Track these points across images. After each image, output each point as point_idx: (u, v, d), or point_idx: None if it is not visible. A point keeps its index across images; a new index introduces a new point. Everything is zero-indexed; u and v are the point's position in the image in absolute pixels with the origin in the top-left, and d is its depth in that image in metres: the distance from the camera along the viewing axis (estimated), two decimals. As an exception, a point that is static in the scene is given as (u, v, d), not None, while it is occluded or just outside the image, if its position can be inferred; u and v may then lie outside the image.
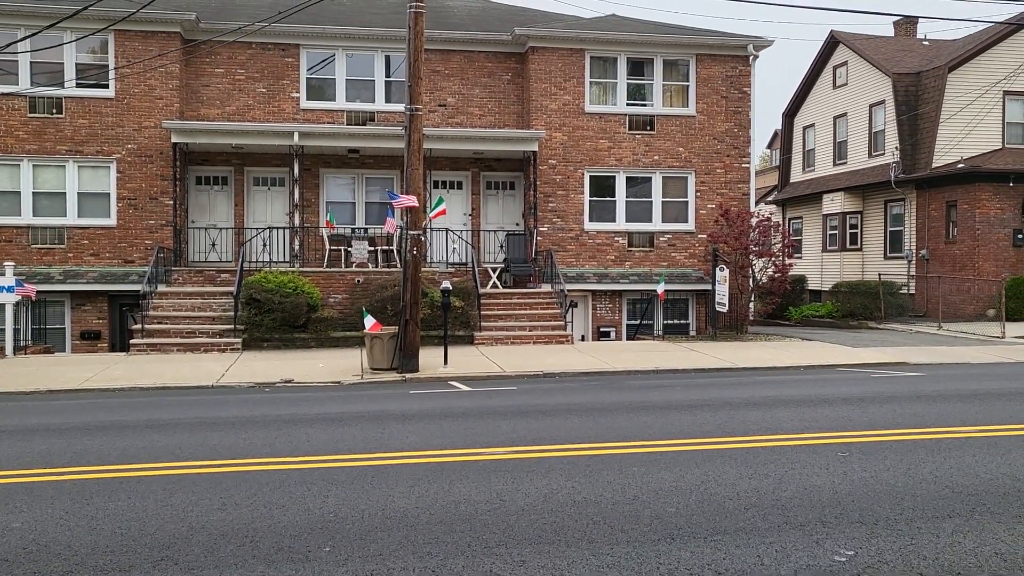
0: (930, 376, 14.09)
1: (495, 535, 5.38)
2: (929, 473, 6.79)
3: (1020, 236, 25.89)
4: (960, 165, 26.04)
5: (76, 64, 21.05)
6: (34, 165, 20.97)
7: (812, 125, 34.34)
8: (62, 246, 20.96)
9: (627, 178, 23.28)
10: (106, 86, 21.22)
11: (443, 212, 16.99)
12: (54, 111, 20.96)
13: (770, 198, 38.13)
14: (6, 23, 20.53)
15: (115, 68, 21.08)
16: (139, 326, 18.55)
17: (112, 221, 21.23)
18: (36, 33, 18.67)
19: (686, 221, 23.52)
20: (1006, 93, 26.99)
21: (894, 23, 34.83)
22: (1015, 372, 14.78)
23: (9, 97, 20.63)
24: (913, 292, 27.90)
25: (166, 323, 18.73)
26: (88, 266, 20.99)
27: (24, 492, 6.58)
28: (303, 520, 5.73)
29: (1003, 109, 27.12)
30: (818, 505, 5.93)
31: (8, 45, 19.21)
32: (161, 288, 19.71)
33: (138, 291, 19.33)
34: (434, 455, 7.71)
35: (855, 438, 8.29)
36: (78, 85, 21.03)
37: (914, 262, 28.03)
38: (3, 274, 17.93)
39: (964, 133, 26.64)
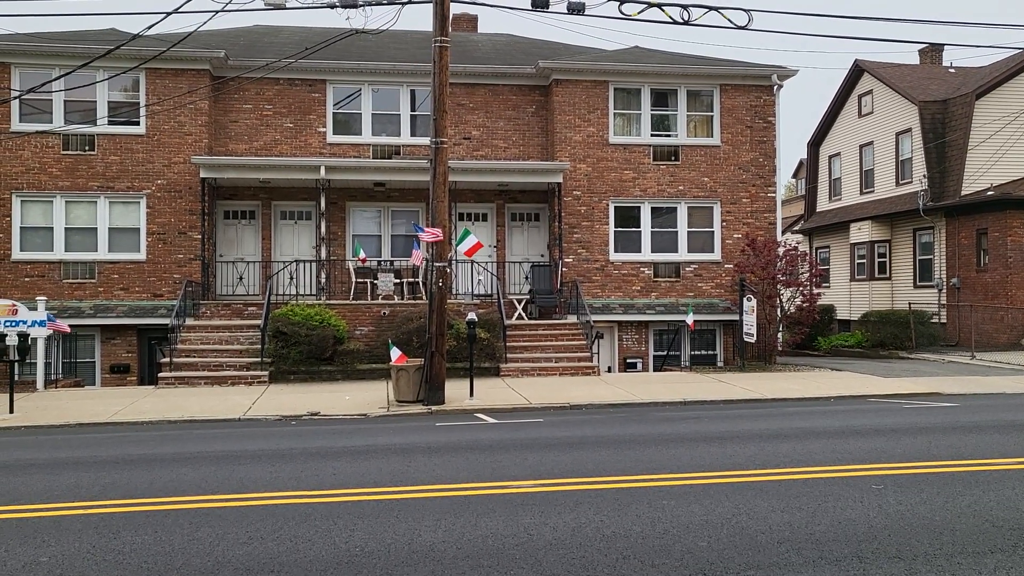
0: (965, 407, 13.82)
1: (523, 570, 5.29)
2: (968, 507, 6.62)
3: (1053, 264, 25.48)
4: (990, 192, 25.75)
5: (108, 102, 21.45)
6: (66, 201, 21.33)
7: (838, 154, 34.18)
8: (93, 280, 21.22)
9: (652, 208, 23.24)
10: (137, 123, 21.59)
11: (479, 246, 16.59)
12: (86, 148, 21.34)
13: (796, 227, 37.90)
14: (41, 63, 21.02)
15: (146, 105, 21.46)
16: (167, 359, 18.67)
17: (142, 255, 21.48)
18: (69, 72, 19.07)
19: (712, 251, 23.40)
20: (1035, 119, 26.72)
21: (919, 51, 34.71)
22: (1052, 402, 14.47)
23: (43, 135, 21.04)
24: (944, 321, 27.49)
25: (194, 356, 18.85)
26: (118, 300, 21.22)
27: (52, 526, 6.59)
28: (329, 554, 5.68)
29: (1032, 136, 26.84)
30: (853, 539, 5.79)
31: (43, 84, 19.61)
32: (189, 321, 19.87)
33: (167, 324, 19.48)
34: (461, 488, 7.64)
35: (890, 470, 8.11)
36: (110, 122, 21.42)
37: (944, 291, 27.65)
38: (35, 309, 18.16)
39: (993, 160, 26.38)
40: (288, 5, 15.63)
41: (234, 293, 22.32)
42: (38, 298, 18.59)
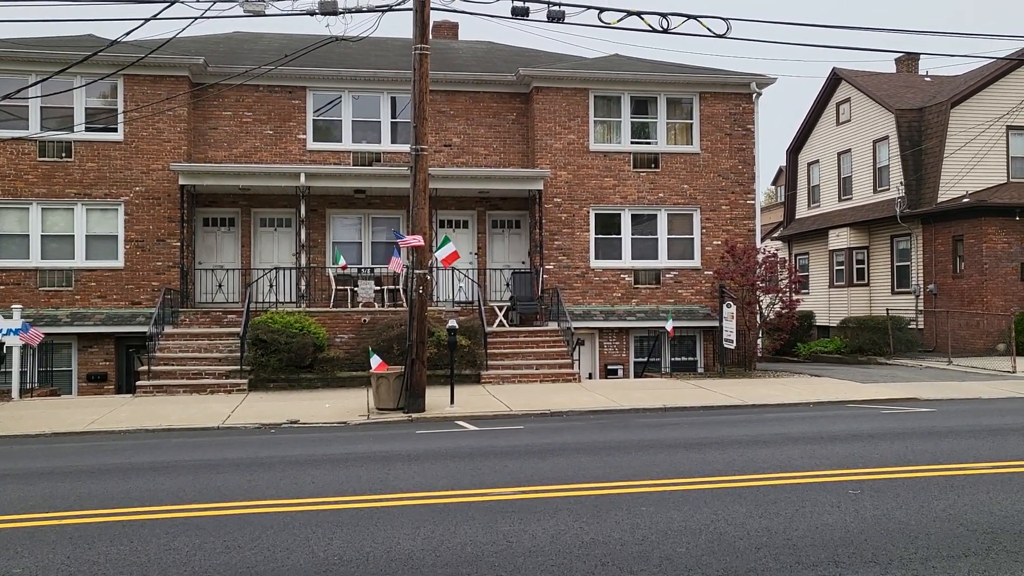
0: (941, 412, 13.95)
1: (501, 577, 5.29)
2: (943, 510, 6.68)
3: (1028, 270, 25.80)
4: (965, 199, 26.05)
5: (86, 108, 21.28)
6: (43, 208, 21.13)
7: (816, 161, 34.47)
8: (69, 288, 21.03)
9: (632, 215, 23.33)
10: (115, 130, 21.44)
11: (456, 255, 16.59)
12: (63, 155, 21.17)
13: (776, 234, 38.17)
14: (17, 69, 20.82)
15: (124, 112, 21.31)
16: (145, 367, 18.53)
17: (120, 263, 21.31)
18: (46, 79, 18.93)
19: (692, 258, 23.51)
20: (1009, 128, 27.09)
21: (896, 60, 35.09)
22: (1027, 407, 14.62)
23: (19, 141, 20.84)
24: (922, 327, 27.76)
25: (173, 364, 18.71)
26: (95, 308, 21.03)
27: (26, 537, 6.52)
28: (307, 563, 5.65)
29: (1007, 143, 27.20)
30: (830, 544, 5.83)
31: (19, 91, 19.46)
32: (168, 329, 19.72)
33: (145, 332, 19.33)
34: (440, 496, 7.63)
35: (866, 475, 8.17)
36: (87, 129, 21.25)
37: (922, 297, 27.93)
38: (10, 316, 17.97)
39: (969, 168, 26.70)
40: (267, 12, 15.60)
41: (213, 301, 22.18)
42: (13, 306, 18.42)
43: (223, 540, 6.25)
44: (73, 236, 21.22)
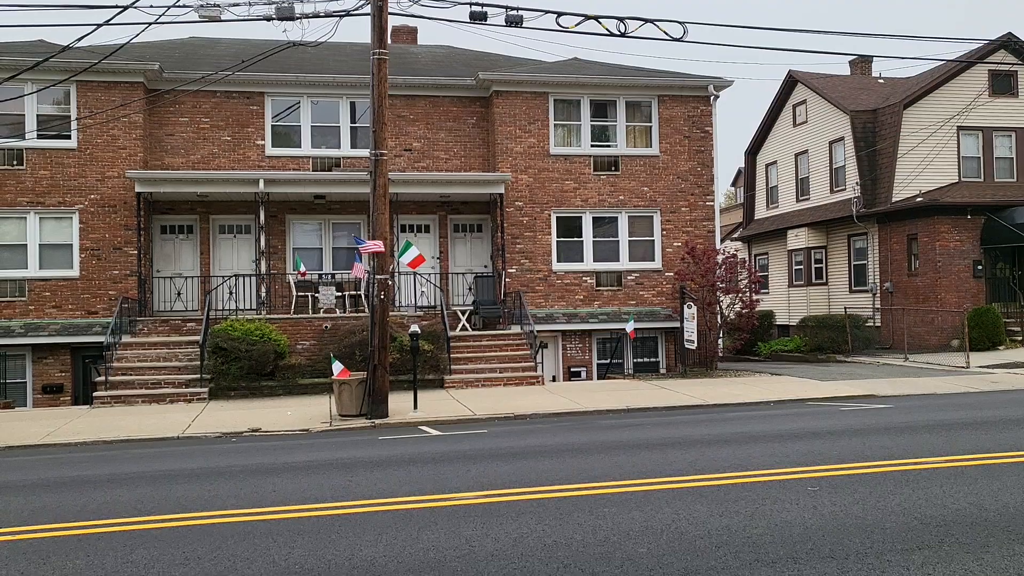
0: (898, 408, 14.20)
1: (464, 582, 5.28)
2: (898, 505, 6.80)
3: (980, 267, 26.37)
4: (919, 199, 26.55)
5: (37, 115, 20.90)
6: (-6, 217, 20.71)
7: (775, 162, 34.91)
8: (23, 299, 20.61)
9: (594, 218, 23.44)
10: (68, 137, 21.08)
11: (421, 259, 16.61)
12: (15, 162, 20.76)
13: (736, 235, 38.58)
14: (-34, 76, 20.39)
15: (77, 119, 20.97)
16: (103, 378, 18.22)
17: (75, 272, 20.95)
18: (-4, 85, 18.54)
19: (653, 260, 23.67)
20: (960, 128, 27.66)
21: (850, 62, 35.69)
22: (980, 402, 14.93)
23: (-31, 149, 20.40)
24: (879, 324, 28.23)
25: (131, 374, 18.42)
26: (50, 319, 20.64)
27: (-22, 553, 6.38)
28: (268, 572, 5.60)
29: (958, 144, 27.77)
30: (789, 541, 5.90)
31: (-32, 97, 19.04)
32: (126, 339, 19.41)
33: (102, 343, 19.02)
34: (403, 502, 7.60)
35: (825, 472, 8.29)
36: (39, 136, 20.87)
37: (879, 295, 28.41)
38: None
39: (921, 168, 27.22)
40: (223, 18, 15.44)
41: (172, 309, 21.89)
42: (-35, 318, 18.01)
43: (182, 551, 6.16)
44: (26, 245, 20.81)
